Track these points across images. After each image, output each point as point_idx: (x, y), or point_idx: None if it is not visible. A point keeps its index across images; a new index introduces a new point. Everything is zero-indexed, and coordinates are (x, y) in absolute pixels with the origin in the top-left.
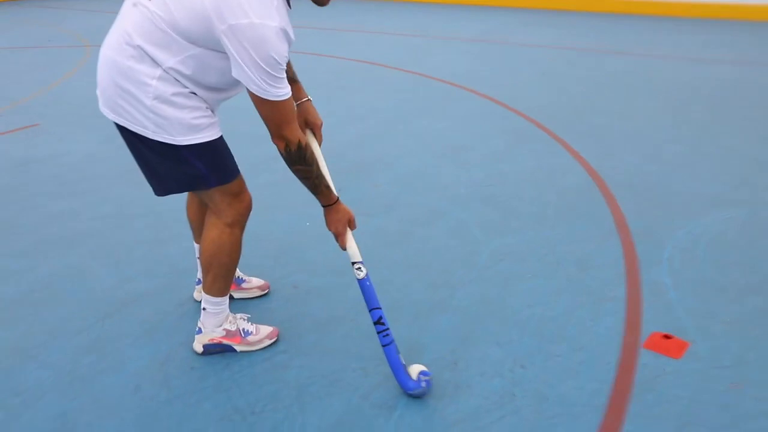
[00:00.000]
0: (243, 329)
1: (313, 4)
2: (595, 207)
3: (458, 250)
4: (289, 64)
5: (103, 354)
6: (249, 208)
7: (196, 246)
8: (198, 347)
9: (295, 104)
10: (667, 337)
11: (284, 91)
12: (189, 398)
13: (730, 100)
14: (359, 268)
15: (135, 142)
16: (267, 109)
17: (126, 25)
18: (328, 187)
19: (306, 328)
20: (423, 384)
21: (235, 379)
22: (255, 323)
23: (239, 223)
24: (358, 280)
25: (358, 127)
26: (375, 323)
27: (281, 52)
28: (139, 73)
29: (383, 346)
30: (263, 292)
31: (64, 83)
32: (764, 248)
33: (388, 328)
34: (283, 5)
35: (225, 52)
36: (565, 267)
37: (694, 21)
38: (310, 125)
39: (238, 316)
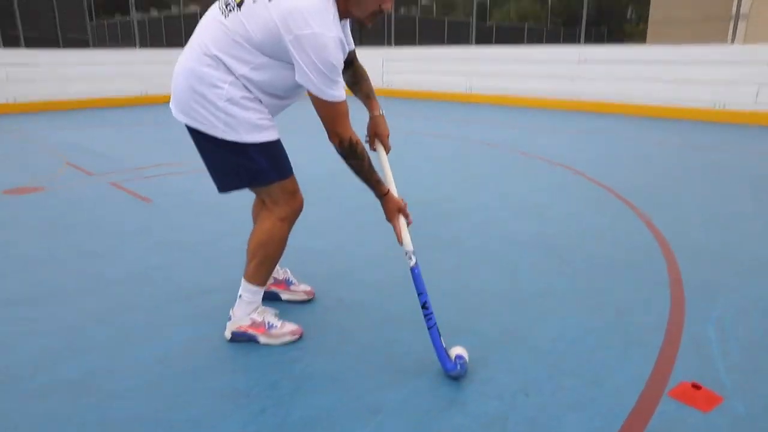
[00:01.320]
0: (269, 322)
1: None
2: (653, 265)
3: (502, 286)
4: (369, 83)
5: (155, 328)
6: (301, 207)
7: None
8: (227, 334)
9: (369, 116)
10: (696, 387)
11: (339, 93)
12: (200, 374)
13: None
14: (410, 257)
15: (204, 142)
16: (324, 108)
17: (204, 38)
18: (378, 181)
19: (331, 333)
20: (458, 367)
21: (247, 364)
22: (282, 320)
23: (290, 219)
24: (410, 267)
25: (457, 187)
26: (422, 306)
27: (339, 57)
28: (215, 78)
29: (428, 328)
30: (309, 297)
31: None
32: None
33: (431, 312)
34: (338, 18)
35: (290, 62)
36: (604, 311)
37: None
38: (379, 135)
39: (268, 309)
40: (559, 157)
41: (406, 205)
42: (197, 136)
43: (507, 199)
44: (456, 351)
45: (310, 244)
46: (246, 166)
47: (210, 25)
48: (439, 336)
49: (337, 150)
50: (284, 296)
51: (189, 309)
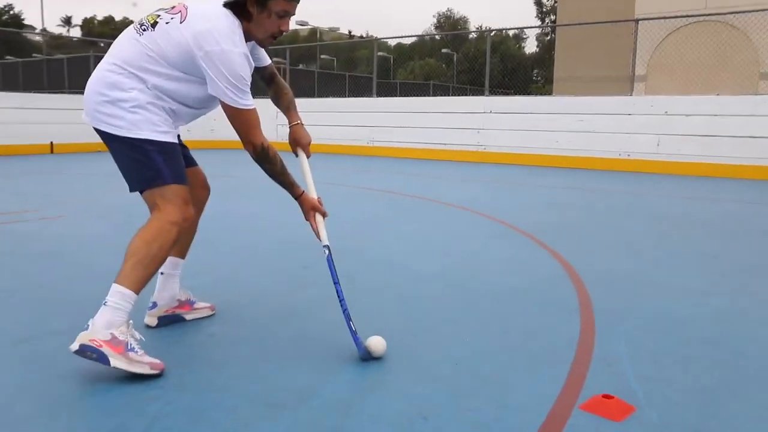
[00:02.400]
0: (130, 344)
1: None
2: (561, 291)
3: (396, 318)
4: (288, 96)
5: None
6: (191, 221)
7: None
8: (74, 345)
9: (288, 126)
10: (607, 397)
11: (249, 102)
12: (29, 422)
13: (721, 226)
14: (326, 250)
15: (111, 142)
16: (237, 117)
17: (117, 53)
18: (293, 183)
19: (198, 369)
20: (361, 353)
21: (89, 407)
22: (144, 352)
23: (180, 225)
24: (326, 258)
25: (351, 229)
26: (336, 293)
27: (246, 70)
28: (124, 84)
29: (342, 311)
30: (213, 312)
31: (112, 197)
32: (739, 330)
33: (342, 300)
34: (243, 39)
35: (201, 77)
36: (509, 335)
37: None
38: (299, 143)
39: (135, 332)
40: (464, 202)
41: (321, 201)
42: (105, 136)
43: (406, 239)
44: (371, 339)
45: (186, 283)
46: (144, 164)
47: (124, 42)
48: (350, 320)
49: (252, 157)
50: (188, 316)
51: (16, 356)
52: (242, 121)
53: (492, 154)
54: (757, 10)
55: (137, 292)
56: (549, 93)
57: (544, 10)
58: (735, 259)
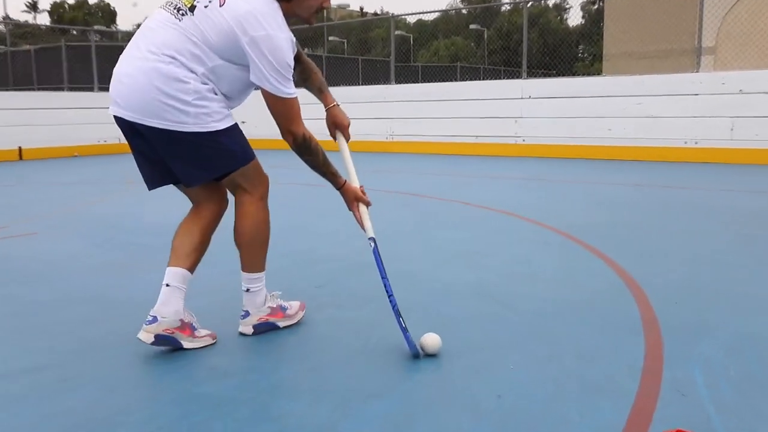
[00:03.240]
0: (281, 305)
1: None
2: (621, 307)
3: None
4: (319, 76)
5: None
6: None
7: (168, 269)
8: (248, 329)
9: (324, 109)
10: None
11: (292, 90)
12: None
13: None
14: (371, 243)
15: (174, 140)
16: (279, 106)
17: (165, 41)
18: (334, 174)
19: (205, 407)
20: (412, 348)
21: None
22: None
23: (266, 196)
24: (372, 251)
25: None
26: (384, 288)
27: (291, 57)
28: (179, 74)
29: (392, 307)
30: (214, 341)
31: (89, 210)
32: None
33: (391, 295)
34: (284, 20)
35: (242, 65)
36: (561, 360)
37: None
38: (338, 126)
39: (275, 293)
40: (501, 204)
41: (363, 190)
42: (165, 136)
43: (435, 249)
44: (423, 338)
45: (188, 304)
46: (220, 153)
47: (164, 29)
48: (400, 316)
49: (292, 148)
50: (187, 344)
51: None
52: (284, 110)
53: (532, 147)
54: None
55: (264, 268)
56: (598, 72)
57: None
58: None
